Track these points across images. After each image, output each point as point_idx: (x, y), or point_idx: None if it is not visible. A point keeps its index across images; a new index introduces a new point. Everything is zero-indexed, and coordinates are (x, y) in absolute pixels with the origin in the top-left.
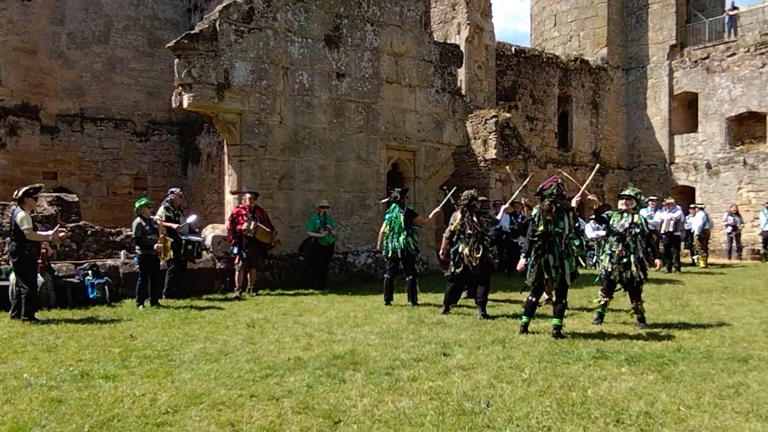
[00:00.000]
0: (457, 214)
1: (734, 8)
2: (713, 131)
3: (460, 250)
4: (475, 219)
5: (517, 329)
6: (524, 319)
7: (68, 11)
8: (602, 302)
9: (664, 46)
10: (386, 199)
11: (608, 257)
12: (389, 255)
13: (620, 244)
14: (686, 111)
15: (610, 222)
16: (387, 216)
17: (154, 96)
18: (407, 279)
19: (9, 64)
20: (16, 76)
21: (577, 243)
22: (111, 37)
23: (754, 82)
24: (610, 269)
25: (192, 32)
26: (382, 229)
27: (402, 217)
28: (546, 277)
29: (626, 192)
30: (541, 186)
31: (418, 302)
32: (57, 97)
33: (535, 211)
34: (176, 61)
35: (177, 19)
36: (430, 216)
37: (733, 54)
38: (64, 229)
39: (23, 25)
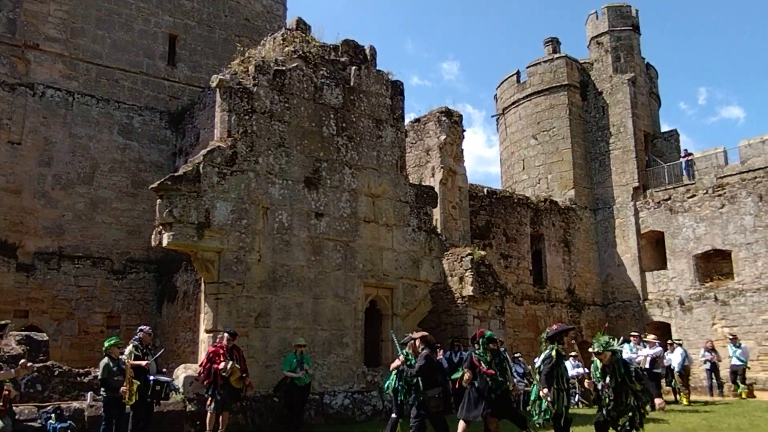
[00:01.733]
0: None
1: (688, 154)
2: (682, 268)
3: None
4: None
5: None
6: None
7: (56, 154)
8: None
9: (627, 188)
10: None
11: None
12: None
13: (618, 408)
14: (654, 248)
15: (596, 382)
16: None
17: (134, 234)
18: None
19: None
20: None
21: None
22: (96, 178)
23: (716, 221)
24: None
25: (176, 174)
26: None
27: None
28: None
29: (594, 348)
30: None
31: None
32: (36, 235)
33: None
34: (158, 201)
35: (162, 162)
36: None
37: (693, 195)
38: (30, 366)
39: (10, 166)
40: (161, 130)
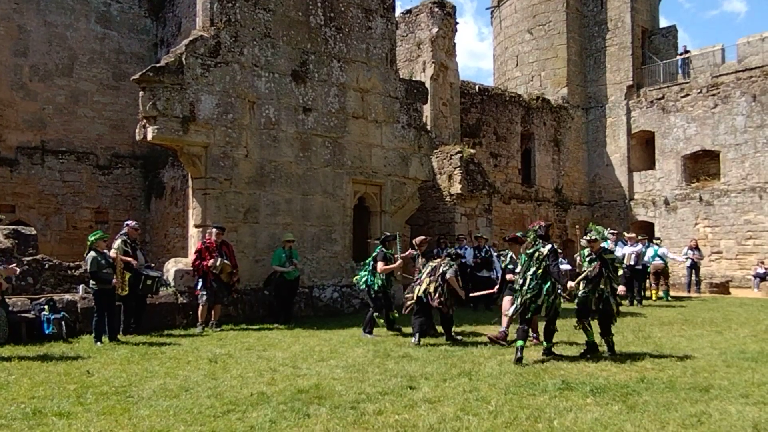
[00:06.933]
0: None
1: (686, 51)
2: (670, 168)
3: (415, 289)
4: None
5: (483, 362)
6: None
7: (32, 43)
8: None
9: (621, 86)
10: (377, 239)
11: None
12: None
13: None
14: (644, 149)
15: (583, 266)
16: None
17: (118, 129)
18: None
19: None
20: None
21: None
22: (75, 70)
23: (707, 121)
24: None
25: (158, 65)
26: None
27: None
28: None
29: (591, 236)
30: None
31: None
32: (17, 129)
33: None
34: (141, 93)
35: (143, 53)
36: (393, 265)
37: (687, 95)
38: (12, 269)
39: None
40: (141, 18)
